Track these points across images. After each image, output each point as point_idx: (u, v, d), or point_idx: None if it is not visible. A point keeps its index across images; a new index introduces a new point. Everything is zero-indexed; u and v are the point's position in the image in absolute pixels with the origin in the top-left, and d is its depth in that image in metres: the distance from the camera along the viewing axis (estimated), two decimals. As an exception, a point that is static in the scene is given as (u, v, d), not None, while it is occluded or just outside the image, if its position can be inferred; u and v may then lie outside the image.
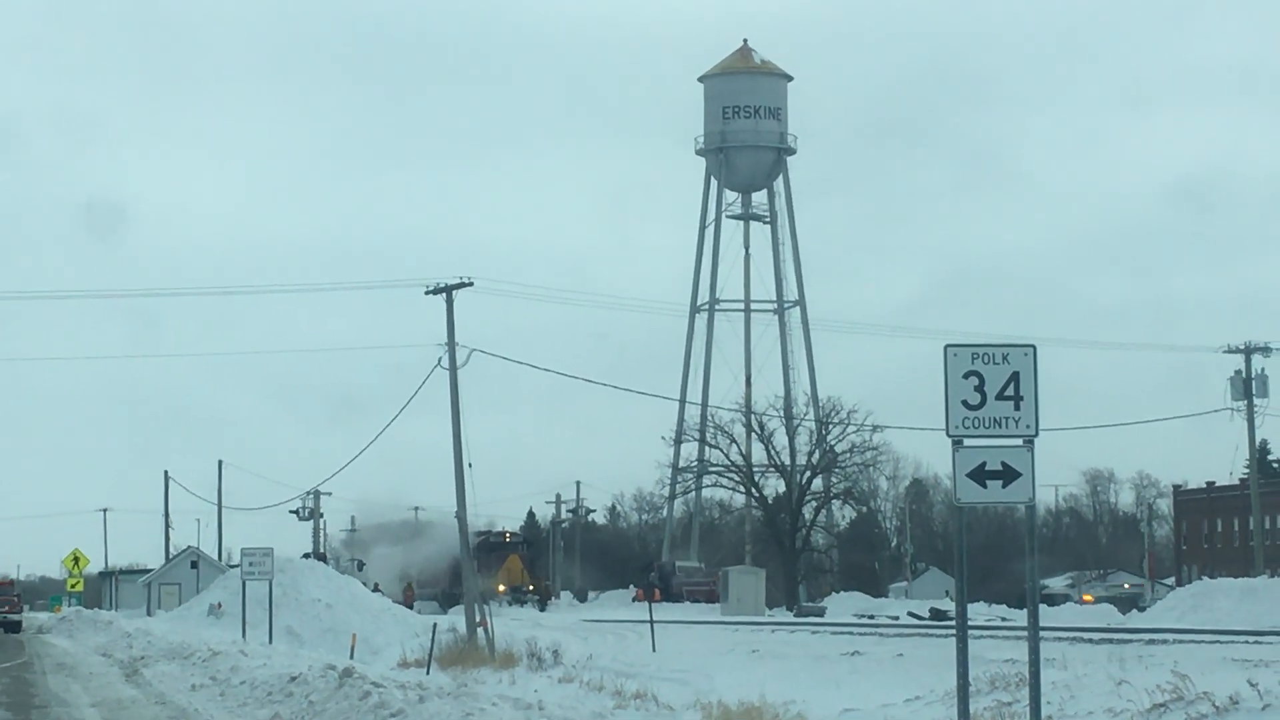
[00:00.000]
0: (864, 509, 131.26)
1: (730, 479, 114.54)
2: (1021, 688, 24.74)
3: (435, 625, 52.76)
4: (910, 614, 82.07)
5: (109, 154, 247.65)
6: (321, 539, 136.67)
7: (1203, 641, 46.14)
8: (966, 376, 18.82)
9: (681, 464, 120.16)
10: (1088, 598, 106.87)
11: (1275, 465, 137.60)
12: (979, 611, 77.46)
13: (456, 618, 64.36)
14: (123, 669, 43.14)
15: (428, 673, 41.40)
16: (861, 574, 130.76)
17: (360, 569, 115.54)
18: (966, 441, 18.84)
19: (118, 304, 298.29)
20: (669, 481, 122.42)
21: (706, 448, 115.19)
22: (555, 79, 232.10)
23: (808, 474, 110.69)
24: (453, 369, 57.72)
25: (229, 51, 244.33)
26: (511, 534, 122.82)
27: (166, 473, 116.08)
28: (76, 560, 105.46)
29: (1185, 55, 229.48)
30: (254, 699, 31.33)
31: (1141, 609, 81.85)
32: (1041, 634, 19.66)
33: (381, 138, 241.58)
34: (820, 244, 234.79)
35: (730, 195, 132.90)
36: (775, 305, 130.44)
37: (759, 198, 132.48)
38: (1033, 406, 18.83)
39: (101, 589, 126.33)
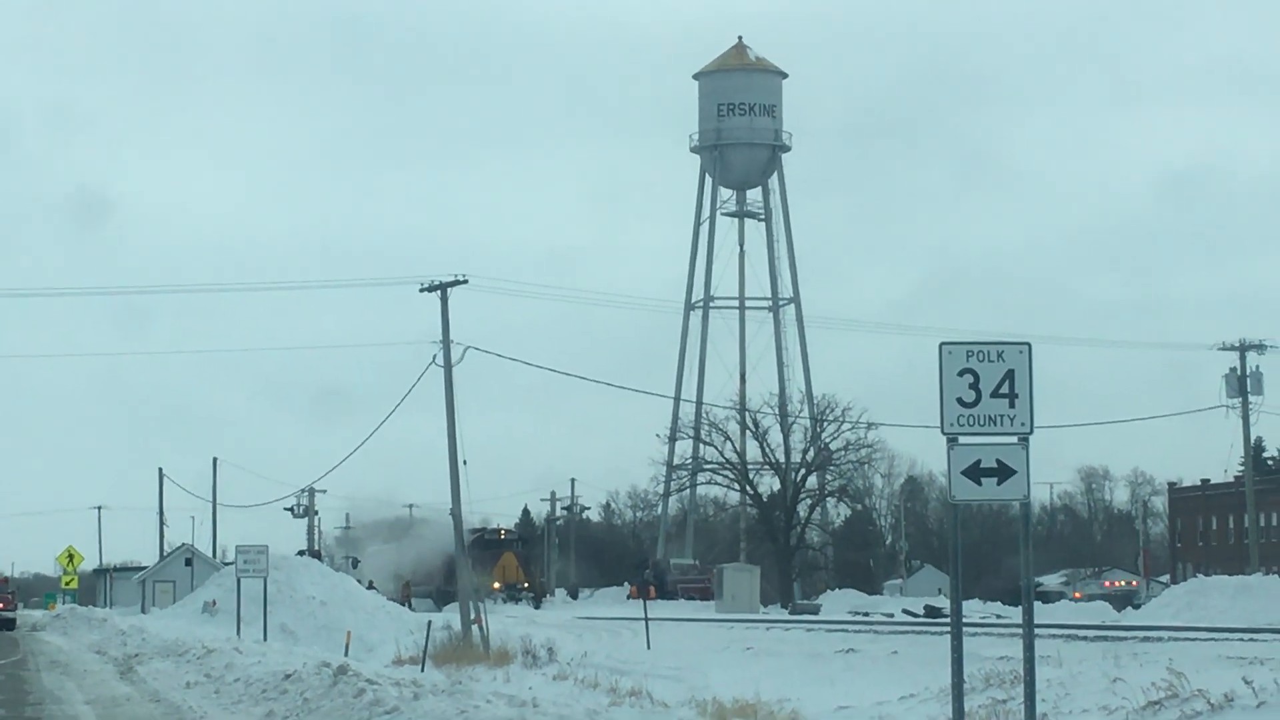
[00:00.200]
0: (859, 506, 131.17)
1: (725, 476, 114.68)
2: (1016, 685, 24.72)
3: (430, 623, 52.77)
4: (905, 611, 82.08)
5: (106, 152, 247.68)
6: (316, 536, 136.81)
7: (1198, 639, 46.07)
8: (961, 374, 18.81)
9: (676, 461, 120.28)
10: (1077, 595, 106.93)
11: (1270, 462, 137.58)
12: (974, 609, 77.58)
13: (451, 615, 64.29)
14: (117, 666, 43.05)
15: (422, 670, 41.43)
16: (856, 571, 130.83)
17: (355, 566, 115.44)
18: (961, 439, 18.82)
19: (113, 301, 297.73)
20: (664, 479, 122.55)
21: (701, 445, 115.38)
22: (550, 77, 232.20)
23: (802, 471, 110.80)
24: (447, 366, 57.66)
25: (226, 50, 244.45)
26: (506, 531, 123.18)
27: (161, 470, 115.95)
28: (71, 557, 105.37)
29: (1181, 54, 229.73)
30: (248, 696, 31.29)
31: (1137, 606, 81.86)
32: (1036, 631, 19.65)
33: (378, 136, 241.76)
34: (815, 241, 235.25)
35: (725, 192, 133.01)
36: (770, 302, 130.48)
37: (754, 195, 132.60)
38: (1027, 404, 18.82)
39: (96, 586, 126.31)
